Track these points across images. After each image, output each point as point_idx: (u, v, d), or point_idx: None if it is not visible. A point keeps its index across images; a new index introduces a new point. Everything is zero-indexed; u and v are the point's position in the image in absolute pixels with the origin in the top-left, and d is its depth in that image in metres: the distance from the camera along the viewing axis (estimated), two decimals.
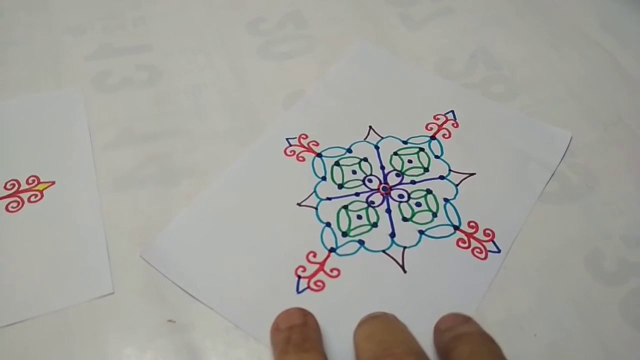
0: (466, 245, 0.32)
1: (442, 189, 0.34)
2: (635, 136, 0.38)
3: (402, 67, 0.41)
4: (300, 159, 0.36)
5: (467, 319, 0.28)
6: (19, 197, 0.34)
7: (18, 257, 0.31)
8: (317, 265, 0.31)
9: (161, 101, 0.39)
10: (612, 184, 0.35)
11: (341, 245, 0.32)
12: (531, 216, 0.33)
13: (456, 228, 0.33)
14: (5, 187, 0.34)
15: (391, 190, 0.34)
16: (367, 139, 0.37)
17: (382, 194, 0.34)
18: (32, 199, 0.34)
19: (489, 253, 0.32)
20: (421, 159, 0.36)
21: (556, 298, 0.30)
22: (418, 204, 0.34)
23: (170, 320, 0.29)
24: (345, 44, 0.43)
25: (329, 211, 0.33)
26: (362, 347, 0.26)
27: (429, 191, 0.34)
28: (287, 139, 0.37)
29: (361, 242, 0.32)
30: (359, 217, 0.33)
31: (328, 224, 0.33)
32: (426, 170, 0.35)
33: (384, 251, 0.32)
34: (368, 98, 0.39)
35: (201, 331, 0.29)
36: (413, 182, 0.35)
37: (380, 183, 0.35)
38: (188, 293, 0.30)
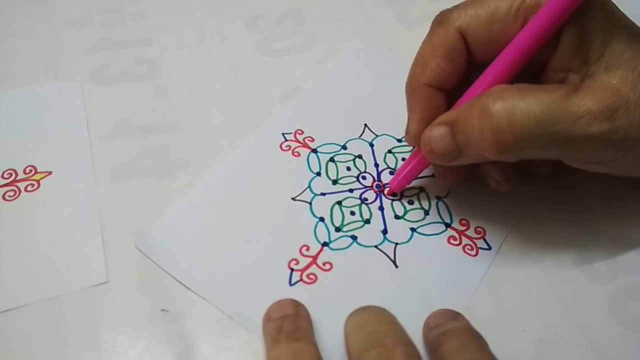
0: (457, 242, 0.33)
1: (435, 187, 0.35)
2: None
3: (398, 65, 0.41)
4: (296, 154, 0.36)
5: (456, 316, 0.29)
6: (16, 186, 0.34)
7: (14, 245, 0.31)
8: (310, 259, 0.32)
9: (159, 95, 0.39)
10: (603, 184, 0.35)
11: (334, 240, 0.32)
12: (522, 214, 0.34)
13: (448, 225, 0.33)
14: (2, 176, 0.34)
15: (384, 187, 0.35)
16: (362, 137, 0.37)
17: (375, 192, 0.35)
18: (29, 188, 0.34)
19: (480, 250, 0.32)
20: None
21: (545, 295, 0.31)
22: (410, 202, 0.34)
23: (163, 310, 0.30)
24: (342, 42, 0.43)
25: (322, 206, 0.34)
26: (353, 336, 0.27)
27: (421, 189, 0.35)
28: (283, 134, 0.37)
29: (354, 237, 0.32)
30: (352, 213, 0.34)
31: (322, 219, 0.33)
32: None
33: (376, 246, 0.32)
34: (364, 96, 0.40)
35: (194, 321, 0.29)
36: None
37: (374, 180, 0.35)
38: (181, 283, 0.30)
